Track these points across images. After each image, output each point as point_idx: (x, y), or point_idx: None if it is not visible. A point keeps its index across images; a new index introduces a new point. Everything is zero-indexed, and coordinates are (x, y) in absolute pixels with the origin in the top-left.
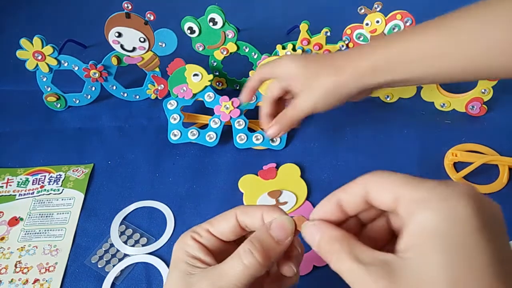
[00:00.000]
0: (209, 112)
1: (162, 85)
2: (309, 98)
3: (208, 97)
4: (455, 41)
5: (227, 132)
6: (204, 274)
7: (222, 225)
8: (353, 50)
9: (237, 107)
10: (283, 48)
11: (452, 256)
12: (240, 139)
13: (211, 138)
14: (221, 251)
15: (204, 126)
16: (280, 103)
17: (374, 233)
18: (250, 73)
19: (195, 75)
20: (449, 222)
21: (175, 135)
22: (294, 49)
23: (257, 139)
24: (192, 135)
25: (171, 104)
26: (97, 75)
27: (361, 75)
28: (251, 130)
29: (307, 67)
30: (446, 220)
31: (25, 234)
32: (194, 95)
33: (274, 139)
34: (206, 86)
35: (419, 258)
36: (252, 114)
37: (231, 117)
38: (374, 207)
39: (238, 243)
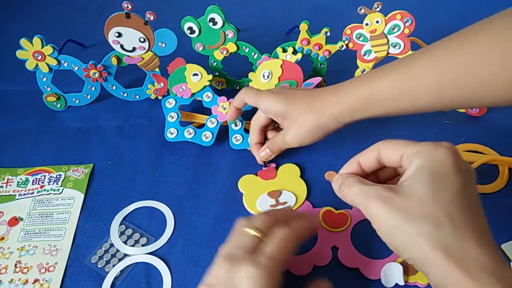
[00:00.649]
0: (207, 112)
1: (162, 84)
2: (296, 135)
3: (207, 97)
4: (407, 83)
5: (226, 132)
6: None
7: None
8: (330, 91)
9: None
10: (284, 51)
11: (433, 181)
12: (236, 140)
13: (207, 137)
14: None
15: (202, 126)
16: (268, 127)
17: None
18: (250, 74)
19: (195, 74)
20: (433, 162)
21: (171, 133)
22: (294, 52)
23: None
24: (188, 134)
25: (170, 103)
26: (97, 75)
27: (340, 118)
28: (247, 131)
29: (290, 105)
30: (432, 162)
31: (25, 234)
32: (193, 94)
33: None
34: (205, 86)
35: (411, 183)
36: (249, 115)
37: None
38: (388, 168)
39: None
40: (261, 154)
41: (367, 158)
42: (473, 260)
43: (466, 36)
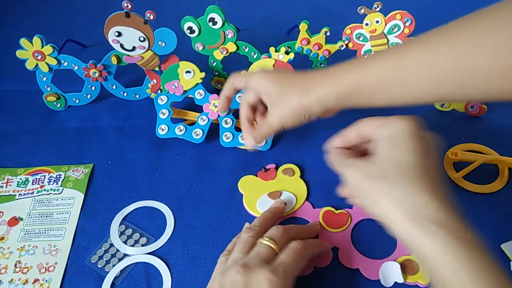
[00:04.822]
0: (199, 109)
1: (155, 80)
2: (278, 115)
3: (199, 95)
4: (399, 70)
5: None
6: None
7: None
8: (319, 73)
9: None
10: (276, 51)
11: (391, 147)
12: (226, 138)
13: (197, 134)
14: None
15: (193, 124)
16: (257, 107)
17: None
18: (242, 73)
19: (188, 72)
20: (393, 131)
21: (162, 130)
22: (287, 53)
23: (243, 139)
24: (179, 130)
25: (162, 99)
26: (97, 74)
27: (325, 100)
28: (238, 129)
29: (278, 85)
30: (392, 131)
31: (25, 234)
32: (185, 91)
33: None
34: (197, 84)
35: (375, 150)
36: (239, 114)
37: (219, 115)
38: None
39: None
40: (245, 142)
41: (350, 133)
42: (419, 211)
43: (463, 26)
